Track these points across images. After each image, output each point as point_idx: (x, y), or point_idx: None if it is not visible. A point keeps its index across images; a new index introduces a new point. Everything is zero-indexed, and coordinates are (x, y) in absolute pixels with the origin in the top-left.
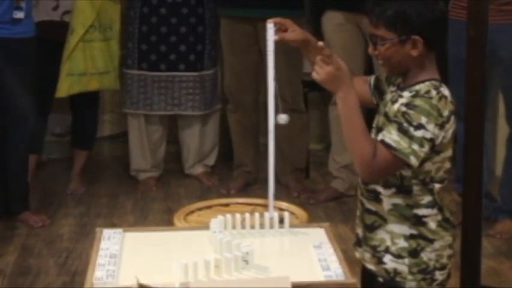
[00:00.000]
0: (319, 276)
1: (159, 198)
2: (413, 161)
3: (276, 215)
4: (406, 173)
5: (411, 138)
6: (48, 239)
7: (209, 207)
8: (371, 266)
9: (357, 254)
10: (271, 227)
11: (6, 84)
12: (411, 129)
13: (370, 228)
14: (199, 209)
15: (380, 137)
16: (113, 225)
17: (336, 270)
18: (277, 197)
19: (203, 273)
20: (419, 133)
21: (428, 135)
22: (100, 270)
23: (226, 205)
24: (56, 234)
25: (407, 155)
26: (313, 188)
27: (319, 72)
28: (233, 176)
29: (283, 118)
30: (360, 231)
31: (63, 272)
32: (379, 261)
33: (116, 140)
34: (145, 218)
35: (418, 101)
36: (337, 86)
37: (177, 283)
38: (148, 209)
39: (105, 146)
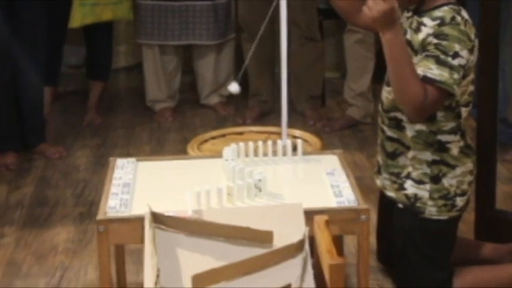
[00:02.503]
0: (332, 203)
1: (174, 128)
2: (456, 90)
3: (289, 142)
4: None
5: (451, 68)
6: (65, 170)
7: (223, 135)
8: (391, 193)
9: (378, 182)
10: (284, 154)
11: (15, 17)
12: (449, 59)
13: (392, 155)
14: (213, 138)
15: (420, 73)
16: (129, 156)
17: (348, 196)
18: (292, 125)
19: (216, 201)
20: (456, 62)
21: (463, 62)
22: (113, 199)
23: (240, 133)
24: (73, 166)
25: (452, 85)
26: (329, 116)
27: (373, 9)
28: (249, 105)
29: (235, 87)
30: (380, 158)
31: (80, 202)
32: (400, 188)
33: (131, 71)
34: (161, 148)
35: (447, 30)
36: (388, 26)
37: (190, 211)
38: (164, 139)
39: (121, 77)
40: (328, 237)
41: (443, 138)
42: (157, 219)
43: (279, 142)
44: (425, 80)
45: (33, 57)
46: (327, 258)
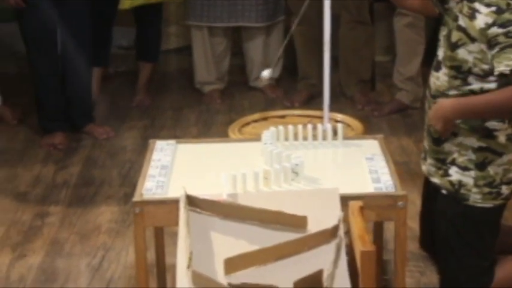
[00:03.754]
0: (369, 188)
1: (222, 110)
2: None
3: (329, 126)
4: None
5: None
6: (111, 151)
7: (265, 119)
8: (435, 179)
9: (423, 168)
10: (325, 138)
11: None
12: None
13: (437, 141)
14: (255, 121)
15: (503, 69)
16: (175, 137)
17: (386, 182)
18: (341, 110)
19: (252, 185)
20: None
21: None
22: (150, 181)
23: (283, 117)
24: (120, 146)
25: None
26: (378, 100)
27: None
28: (297, 88)
29: (266, 74)
30: (426, 144)
31: (126, 183)
32: (445, 174)
33: (181, 53)
34: (208, 130)
35: (509, 16)
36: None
37: (225, 194)
38: (211, 121)
39: (171, 58)
40: (361, 224)
41: (490, 125)
42: (192, 202)
43: (319, 126)
44: None
45: (80, 39)
46: (359, 245)
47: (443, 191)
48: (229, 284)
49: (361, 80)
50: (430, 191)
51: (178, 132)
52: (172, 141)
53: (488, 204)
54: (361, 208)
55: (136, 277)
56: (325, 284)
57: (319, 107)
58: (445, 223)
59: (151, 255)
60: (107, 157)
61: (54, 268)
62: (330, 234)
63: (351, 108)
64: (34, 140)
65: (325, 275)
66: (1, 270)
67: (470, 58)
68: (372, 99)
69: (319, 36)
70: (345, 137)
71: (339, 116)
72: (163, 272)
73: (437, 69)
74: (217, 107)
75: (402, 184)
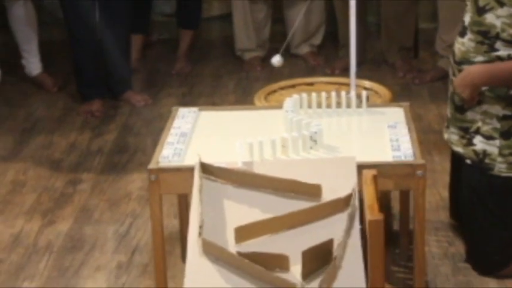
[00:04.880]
0: (388, 157)
1: (262, 78)
2: None
3: (353, 94)
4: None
5: None
6: (148, 118)
7: (292, 86)
8: (458, 148)
9: (445, 136)
10: (349, 106)
11: None
12: None
13: (461, 109)
14: (282, 88)
15: None
16: (213, 105)
17: (406, 151)
18: (382, 77)
19: (269, 153)
20: None
21: None
22: (167, 149)
23: (311, 84)
24: (157, 114)
25: None
26: (421, 68)
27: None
28: (338, 55)
29: (278, 60)
30: (448, 112)
31: None
32: (468, 143)
33: (224, 20)
34: (246, 98)
35: None
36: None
37: (240, 162)
38: (250, 88)
39: (213, 25)
40: (372, 193)
41: None
42: (207, 169)
43: (343, 94)
44: None
45: (119, 5)
46: (367, 214)
47: (468, 161)
48: (239, 253)
49: (403, 47)
50: (456, 160)
51: (216, 99)
52: (195, 109)
53: None
54: (375, 177)
55: (153, 244)
56: (335, 253)
57: (361, 75)
58: (469, 193)
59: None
60: (143, 124)
61: (82, 235)
62: (344, 203)
63: (393, 75)
64: (73, 108)
65: (335, 244)
66: (30, 236)
67: (498, 23)
68: (414, 67)
69: (360, 2)
70: (371, 105)
71: (367, 83)
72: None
73: (463, 34)
74: (257, 75)
75: (437, 153)
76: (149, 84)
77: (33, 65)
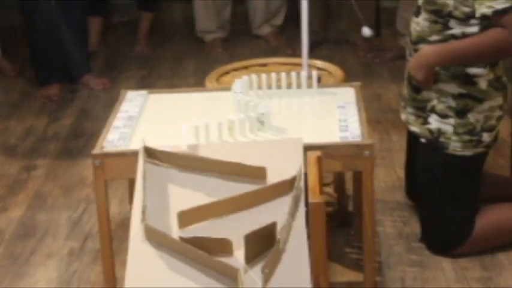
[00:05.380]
0: (335, 138)
1: (223, 59)
2: None
3: (304, 74)
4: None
5: None
6: (106, 102)
7: (245, 67)
8: (414, 128)
9: (402, 116)
10: (299, 86)
11: None
12: None
13: (416, 89)
14: (235, 70)
15: (484, 11)
16: (172, 87)
17: (354, 131)
18: (343, 57)
19: (216, 136)
20: None
21: None
22: (113, 133)
23: (264, 65)
24: (115, 97)
25: None
26: (382, 47)
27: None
28: (300, 35)
29: (367, 31)
30: (405, 92)
31: None
32: (424, 122)
33: (185, 1)
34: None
35: None
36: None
37: (185, 145)
38: (210, 70)
39: (174, 7)
40: (315, 175)
41: (471, 70)
42: (151, 154)
43: (293, 74)
44: (498, 13)
45: None
46: (309, 197)
47: (423, 140)
48: (181, 238)
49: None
50: (411, 140)
51: (176, 82)
52: (143, 92)
53: (469, 153)
54: (319, 158)
55: (99, 231)
56: (278, 236)
57: (322, 55)
58: (425, 172)
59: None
60: (101, 108)
61: (34, 222)
62: (289, 185)
63: (354, 55)
64: (31, 93)
65: (279, 227)
66: None
67: (450, 1)
68: (375, 46)
69: None
70: (322, 85)
71: (319, 63)
72: None
73: (417, 14)
74: (218, 56)
75: (395, 132)
76: (109, 67)
77: None
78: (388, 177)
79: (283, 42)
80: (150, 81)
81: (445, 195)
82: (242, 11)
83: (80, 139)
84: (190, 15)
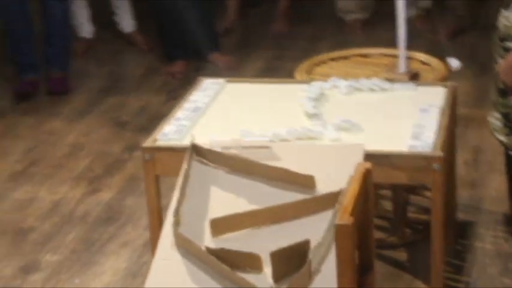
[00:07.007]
0: (403, 146)
1: (360, 42)
2: None
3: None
4: None
5: None
6: None
7: (345, 57)
8: (501, 137)
9: (489, 119)
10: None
11: None
12: None
13: (503, 92)
14: (333, 60)
15: None
16: None
17: (427, 139)
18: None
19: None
20: None
21: None
22: (171, 125)
23: (365, 56)
24: (241, 76)
25: None
26: None
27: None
28: (445, 20)
29: (455, 63)
30: (492, 95)
31: None
32: (510, 132)
33: None
34: None
35: None
36: None
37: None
38: None
39: None
40: (354, 190)
41: None
42: (200, 152)
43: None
44: None
45: None
46: (337, 217)
47: (510, 152)
48: (207, 249)
49: None
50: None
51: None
52: (221, 80)
53: None
54: (368, 171)
55: (150, 226)
56: (311, 255)
57: (466, 42)
58: None
59: None
60: None
61: (121, 207)
62: (335, 198)
63: None
64: (157, 68)
65: (312, 245)
66: (69, 205)
67: None
68: None
69: None
70: (416, 83)
71: (423, 56)
72: None
73: (507, 6)
74: (356, 39)
75: None
76: (241, 45)
77: (125, 21)
78: (502, 185)
79: (428, 26)
80: (281, 62)
81: None
82: None
83: None
84: None
